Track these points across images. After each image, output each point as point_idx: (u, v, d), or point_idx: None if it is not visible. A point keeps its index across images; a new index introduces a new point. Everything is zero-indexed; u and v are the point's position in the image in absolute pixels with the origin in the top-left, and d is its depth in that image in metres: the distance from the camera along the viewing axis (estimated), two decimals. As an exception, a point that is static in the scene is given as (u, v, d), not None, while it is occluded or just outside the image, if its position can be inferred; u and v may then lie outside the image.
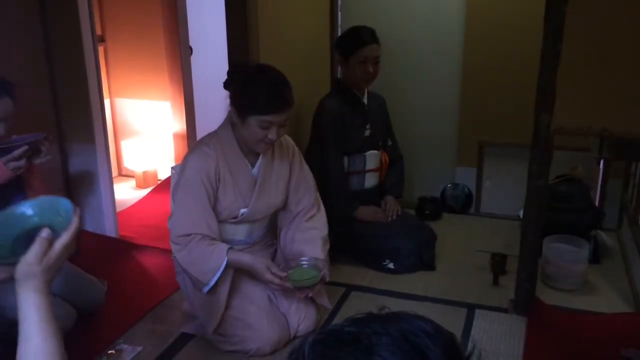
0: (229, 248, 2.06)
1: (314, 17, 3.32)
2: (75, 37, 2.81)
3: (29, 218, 1.05)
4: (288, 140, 2.30)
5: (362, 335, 0.65)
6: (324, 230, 2.29)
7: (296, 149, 2.32)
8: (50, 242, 0.95)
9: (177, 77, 4.07)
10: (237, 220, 2.17)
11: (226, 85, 2.08)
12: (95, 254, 2.87)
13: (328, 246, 2.28)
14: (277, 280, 2.02)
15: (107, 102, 4.04)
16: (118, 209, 3.29)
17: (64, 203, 1.05)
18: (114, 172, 4.05)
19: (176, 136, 4.22)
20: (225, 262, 2.02)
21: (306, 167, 2.32)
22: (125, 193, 3.99)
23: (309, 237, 2.23)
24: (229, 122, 2.12)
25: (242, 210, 2.16)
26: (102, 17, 4.04)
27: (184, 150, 4.24)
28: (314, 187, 2.32)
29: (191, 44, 4.18)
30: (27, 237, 0.99)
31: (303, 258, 2.14)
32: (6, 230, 1.03)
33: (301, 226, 2.25)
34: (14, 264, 0.94)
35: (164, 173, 4.16)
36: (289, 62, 3.01)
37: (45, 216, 1.05)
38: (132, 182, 4.18)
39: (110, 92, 4.19)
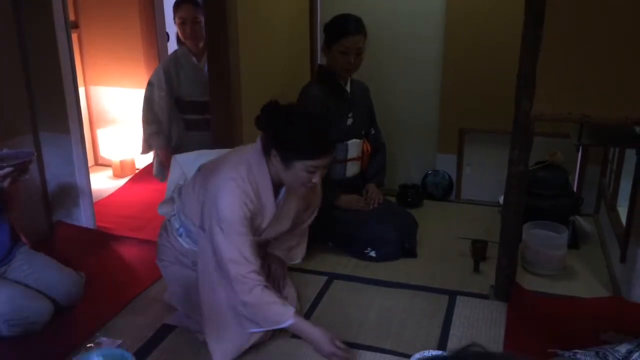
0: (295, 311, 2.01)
1: (293, 2, 3.28)
2: (47, 23, 2.73)
3: None
4: None
5: None
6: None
7: None
8: None
9: (153, 64, 3.99)
10: None
11: (261, 125, 1.99)
12: (73, 246, 2.81)
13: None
14: (340, 353, 1.94)
15: (81, 90, 3.96)
16: (95, 199, 3.23)
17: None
18: (90, 162, 3.98)
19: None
20: (288, 324, 1.95)
21: (319, 188, 2.30)
22: (102, 183, 3.92)
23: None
24: (262, 156, 2.00)
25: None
26: (75, 2, 3.94)
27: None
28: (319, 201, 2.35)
29: (168, 30, 4.11)
30: None
31: None
32: None
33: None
34: None
35: (141, 162, 4.10)
36: (268, 49, 2.97)
37: None
38: (109, 172, 4.11)
39: (85, 80, 4.10)
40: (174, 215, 2.21)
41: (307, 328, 1.97)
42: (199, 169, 2.15)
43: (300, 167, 1.92)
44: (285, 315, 1.95)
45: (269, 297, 1.95)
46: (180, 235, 2.20)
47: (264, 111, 1.98)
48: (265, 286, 1.96)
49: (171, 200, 2.26)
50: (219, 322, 2.03)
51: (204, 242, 2.03)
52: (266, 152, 1.98)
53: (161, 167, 3.36)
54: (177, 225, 2.20)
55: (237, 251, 1.93)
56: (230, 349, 2.03)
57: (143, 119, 3.27)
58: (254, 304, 1.94)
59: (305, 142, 1.91)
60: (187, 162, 2.20)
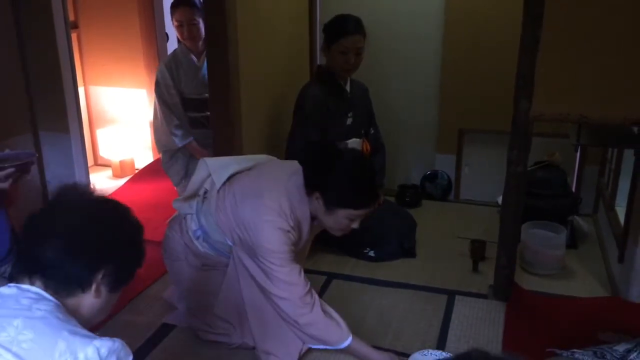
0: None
1: (293, 2, 3.28)
2: (47, 23, 2.73)
3: None
4: None
5: None
6: None
7: None
8: None
9: (153, 64, 4.00)
10: None
11: (305, 164, 2.00)
12: (72, 245, 2.81)
13: None
14: None
15: (81, 90, 3.96)
16: (94, 199, 3.22)
17: None
18: (90, 162, 3.98)
19: (153, 124, 4.16)
20: (347, 343, 1.96)
21: None
22: (102, 183, 3.92)
23: None
24: (304, 194, 1.98)
25: None
26: (74, 2, 3.94)
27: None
28: None
29: (167, 30, 4.12)
30: None
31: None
32: None
33: None
34: None
35: (141, 162, 4.10)
36: (268, 49, 2.98)
37: None
38: (108, 172, 4.12)
39: (84, 80, 4.10)
40: (192, 214, 2.18)
41: (371, 352, 1.98)
42: (228, 178, 2.11)
43: (342, 215, 1.93)
44: (343, 336, 1.96)
45: (327, 318, 1.96)
46: (198, 238, 2.17)
47: (311, 152, 2.01)
48: (320, 305, 1.97)
49: (190, 197, 2.22)
50: (276, 334, 2.03)
51: (241, 263, 2.04)
52: (308, 191, 1.97)
53: (178, 168, 3.26)
54: (194, 227, 2.17)
55: (295, 274, 1.94)
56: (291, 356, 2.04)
57: (162, 119, 3.16)
58: (310, 323, 1.94)
59: (351, 194, 1.91)
60: (216, 168, 2.16)
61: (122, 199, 3.80)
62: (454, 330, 2.25)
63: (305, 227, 2.04)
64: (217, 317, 2.15)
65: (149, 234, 3.18)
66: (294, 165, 2.07)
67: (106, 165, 4.18)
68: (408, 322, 2.31)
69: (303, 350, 2.05)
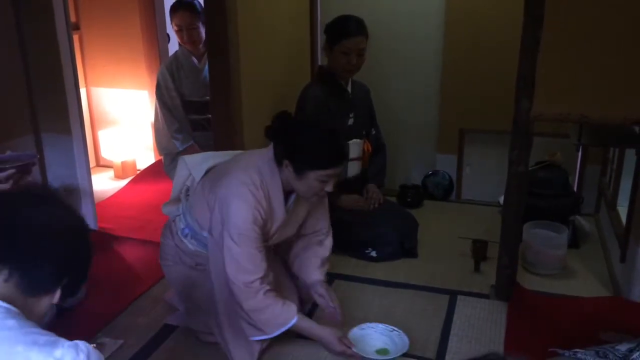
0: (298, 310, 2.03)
1: (293, 3, 3.28)
2: (48, 25, 2.74)
3: None
4: None
5: None
6: (327, 253, 2.30)
7: None
8: None
9: (154, 65, 4.00)
10: None
11: (272, 136, 2.01)
12: (74, 247, 2.82)
13: (327, 267, 2.29)
14: (349, 351, 1.98)
15: (83, 91, 3.95)
16: (96, 200, 3.24)
17: None
18: (92, 163, 3.98)
19: (154, 127, 4.16)
20: (293, 322, 1.99)
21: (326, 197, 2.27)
22: (104, 184, 3.93)
23: (312, 257, 2.24)
24: (274, 164, 2.00)
25: None
26: (76, 4, 3.95)
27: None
28: (328, 214, 2.33)
29: (168, 31, 4.12)
30: None
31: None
32: None
33: (309, 246, 2.26)
34: None
35: (143, 163, 4.11)
36: (269, 50, 2.98)
37: None
38: (110, 173, 4.12)
39: (86, 81, 4.11)
40: (179, 215, 2.21)
41: (316, 328, 2.01)
42: (206, 172, 2.14)
43: (313, 177, 1.94)
44: (289, 315, 1.97)
45: (269, 300, 1.96)
46: (186, 237, 2.19)
47: (275, 122, 2.00)
48: (268, 290, 1.96)
49: (176, 200, 2.25)
50: (237, 326, 2.03)
51: (213, 246, 2.04)
52: (278, 161, 1.99)
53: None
54: (182, 226, 2.19)
55: (247, 258, 1.93)
56: (247, 354, 2.04)
57: (163, 122, 3.17)
58: (255, 309, 1.95)
59: (318, 153, 1.93)
60: (194, 164, 2.19)
61: (123, 200, 3.84)
62: (456, 331, 2.25)
63: (278, 204, 2.02)
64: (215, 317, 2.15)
65: (150, 235, 3.21)
66: (266, 147, 2.09)
67: (108, 166, 4.19)
68: (409, 323, 2.31)
69: (264, 345, 2.07)
